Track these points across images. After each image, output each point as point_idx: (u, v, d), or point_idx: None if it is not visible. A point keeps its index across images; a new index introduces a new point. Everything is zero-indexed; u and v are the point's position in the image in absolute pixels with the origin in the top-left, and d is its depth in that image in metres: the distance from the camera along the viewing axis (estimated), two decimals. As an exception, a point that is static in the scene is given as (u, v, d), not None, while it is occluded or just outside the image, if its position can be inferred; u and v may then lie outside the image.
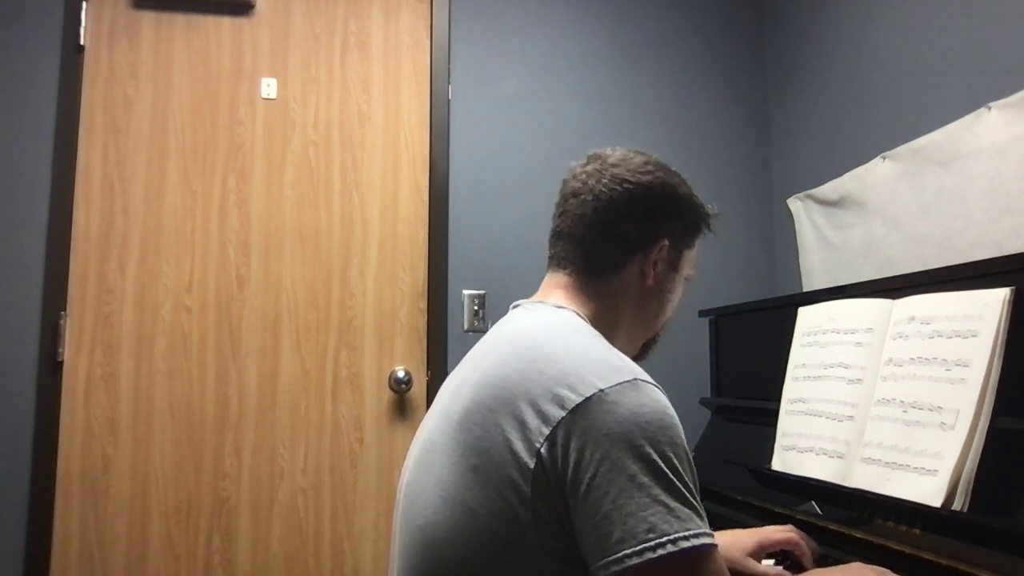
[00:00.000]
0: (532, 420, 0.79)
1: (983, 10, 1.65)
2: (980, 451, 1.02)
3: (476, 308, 2.29)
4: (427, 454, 0.90)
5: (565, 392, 0.79)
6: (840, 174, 2.07)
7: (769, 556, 1.18)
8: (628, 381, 0.79)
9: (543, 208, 1.04)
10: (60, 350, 2.08)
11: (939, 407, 1.08)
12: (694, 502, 0.76)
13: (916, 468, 1.08)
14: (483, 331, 0.89)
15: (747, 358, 1.85)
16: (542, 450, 0.78)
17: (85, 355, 2.11)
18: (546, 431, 0.78)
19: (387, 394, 2.23)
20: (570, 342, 0.86)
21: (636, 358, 1.03)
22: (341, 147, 2.28)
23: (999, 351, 1.04)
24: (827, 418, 1.31)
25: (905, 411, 1.13)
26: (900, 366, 1.18)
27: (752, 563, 1.14)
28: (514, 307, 1.01)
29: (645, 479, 0.74)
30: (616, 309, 0.99)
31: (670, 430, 0.78)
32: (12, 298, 2.06)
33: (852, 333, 1.32)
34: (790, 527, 1.21)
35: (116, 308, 2.14)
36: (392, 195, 2.30)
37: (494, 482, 0.79)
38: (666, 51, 2.50)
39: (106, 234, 2.15)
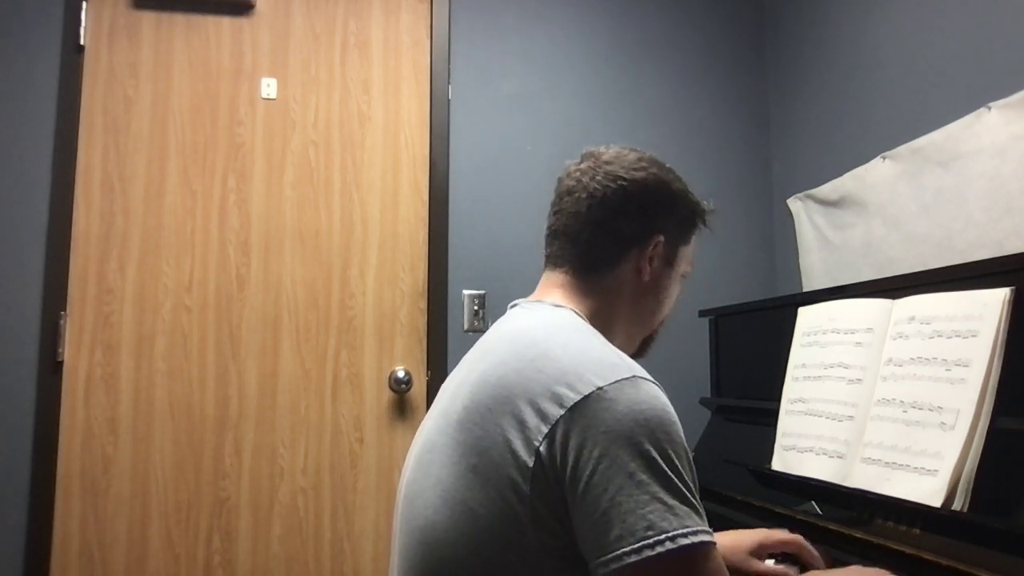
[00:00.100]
0: (531, 419, 0.79)
1: (983, 10, 1.65)
2: (980, 451, 1.02)
3: (476, 308, 2.29)
4: (427, 454, 0.90)
5: (564, 390, 0.79)
6: (840, 174, 2.07)
7: (770, 556, 1.18)
8: (627, 378, 0.80)
9: (543, 208, 1.04)
10: (60, 350, 2.08)
11: (939, 407, 1.08)
12: (692, 500, 0.76)
13: (916, 468, 1.08)
14: (483, 331, 0.89)
15: (747, 358, 1.85)
16: (541, 448, 0.78)
17: (85, 355, 2.11)
18: (545, 429, 0.78)
19: (387, 394, 2.23)
20: (568, 340, 0.86)
21: (635, 355, 1.03)
22: (341, 147, 2.28)
23: (999, 351, 1.04)
24: (827, 418, 1.31)
25: (905, 411, 1.13)
26: (900, 366, 1.18)
27: (755, 562, 1.13)
28: (512, 307, 1.02)
29: (644, 476, 0.74)
30: (613, 306, 0.99)
31: (669, 427, 0.78)
32: (12, 298, 2.06)
33: (852, 333, 1.32)
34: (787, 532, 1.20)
35: (116, 308, 2.14)
36: (392, 195, 2.30)
37: (494, 481, 0.79)
38: (666, 51, 2.50)
39: (106, 234, 2.15)
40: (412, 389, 2.23)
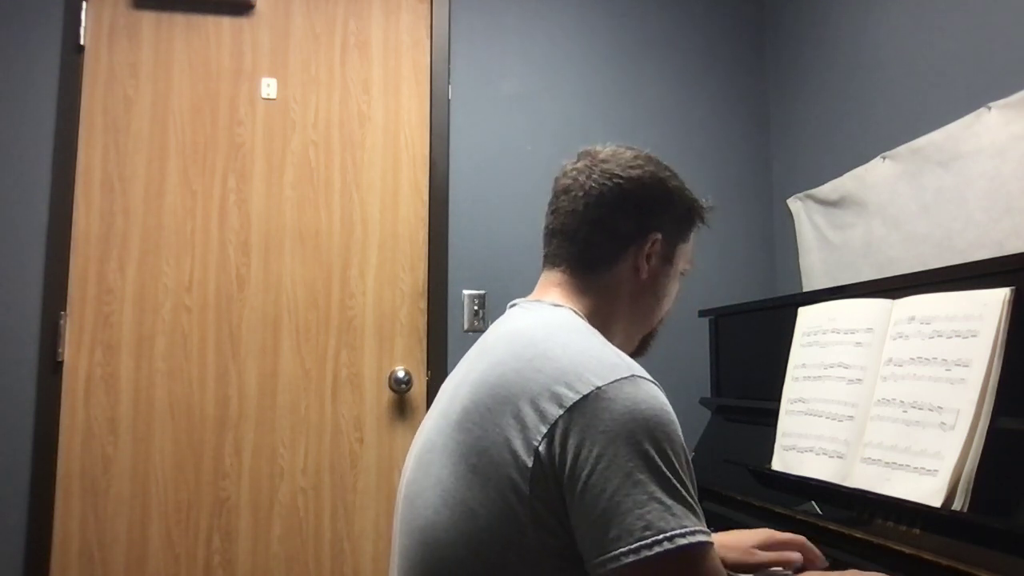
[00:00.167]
0: (531, 419, 0.79)
1: (983, 10, 1.65)
2: (980, 451, 1.02)
3: (476, 308, 2.29)
4: (427, 454, 0.90)
5: (563, 390, 0.79)
6: (840, 174, 2.07)
7: None
8: (626, 378, 0.79)
9: (543, 208, 1.04)
10: (60, 350, 2.08)
11: (939, 407, 1.08)
12: (690, 499, 0.76)
13: (916, 468, 1.08)
14: (483, 331, 0.89)
15: (747, 358, 1.85)
16: (540, 448, 0.78)
17: (85, 355, 2.11)
18: (544, 429, 0.78)
19: (387, 394, 2.23)
20: (567, 340, 0.86)
21: (635, 354, 1.03)
22: (341, 147, 2.28)
23: (999, 351, 1.04)
24: (827, 418, 1.30)
25: (905, 411, 1.13)
26: (900, 366, 1.18)
27: (759, 553, 1.11)
28: (511, 306, 1.01)
29: (642, 476, 0.74)
30: (611, 304, 0.99)
31: (667, 427, 0.78)
32: (12, 298, 2.06)
33: (852, 333, 1.32)
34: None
35: (116, 308, 2.14)
36: (392, 195, 2.30)
37: (493, 482, 0.79)
38: (666, 51, 2.50)
39: (106, 234, 2.15)
40: (412, 389, 2.23)
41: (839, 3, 2.16)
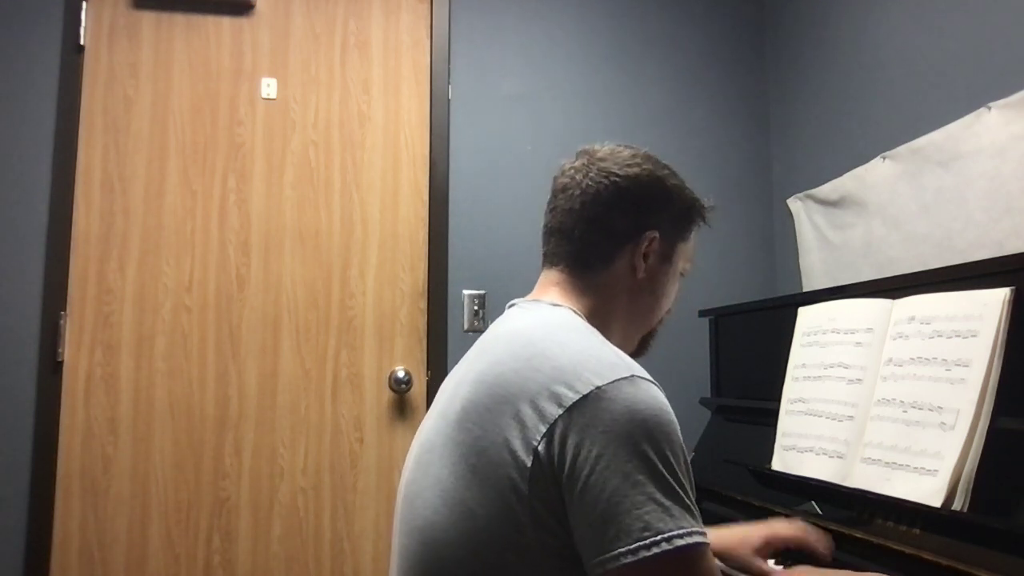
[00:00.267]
0: (530, 419, 0.79)
1: (983, 10, 1.65)
2: (980, 451, 1.02)
3: (476, 308, 2.29)
4: (426, 454, 0.90)
5: (562, 390, 0.79)
6: (840, 174, 2.07)
7: (773, 555, 1.18)
8: (625, 378, 0.79)
9: (543, 208, 1.04)
10: (60, 350, 2.08)
11: (939, 407, 1.08)
12: (688, 500, 0.77)
13: (916, 468, 1.08)
14: (483, 331, 0.89)
15: (747, 358, 1.85)
16: (539, 448, 0.78)
17: (85, 355, 2.11)
18: (543, 429, 0.78)
19: (387, 394, 2.23)
20: (566, 339, 0.86)
21: (635, 353, 1.02)
22: (341, 147, 2.28)
23: (999, 351, 1.04)
24: (827, 418, 1.31)
25: (905, 411, 1.13)
26: (900, 366, 1.18)
27: (759, 562, 1.14)
28: (510, 306, 1.01)
29: (641, 477, 0.74)
30: (609, 303, 0.98)
31: (667, 427, 0.78)
32: (12, 298, 2.06)
33: (852, 333, 1.32)
34: (798, 521, 1.21)
35: (116, 308, 2.14)
36: (392, 195, 2.30)
37: (492, 481, 0.79)
38: (667, 50, 2.50)
39: (106, 234, 2.15)
40: (412, 389, 2.23)
41: (839, 3, 2.16)
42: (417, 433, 0.98)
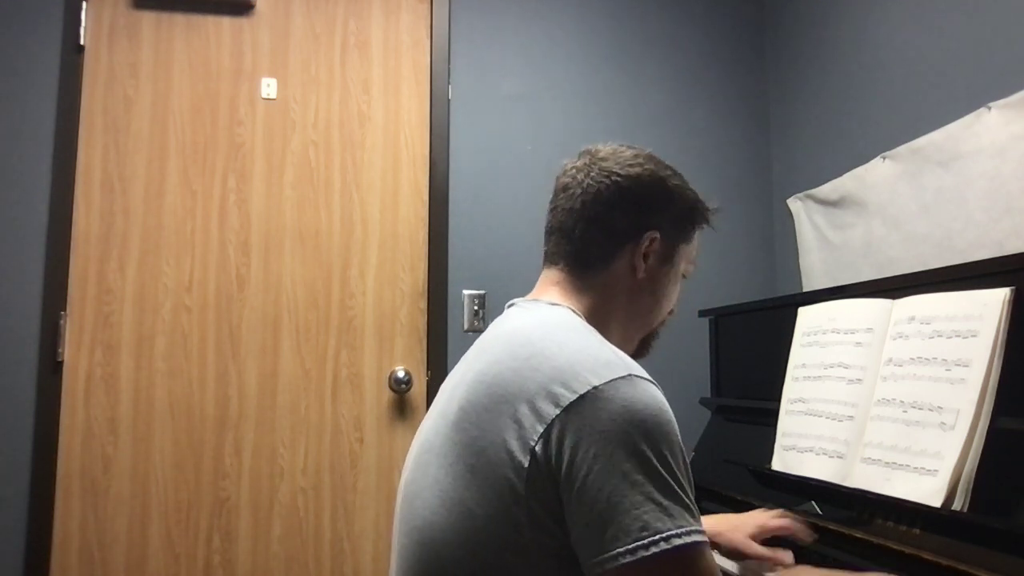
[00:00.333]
0: (527, 418, 0.79)
1: (983, 10, 1.65)
2: (980, 451, 1.02)
3: (476, 308, 2.29)
4: (425, 454, 0.90)
5: (560, 389, 0.79)
6: (840, 174, 2.07)
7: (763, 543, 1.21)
8: (623, 377, 0.79)
9: (543, 208, 1.04)
10: (60, 350, 2.08)
11: (939, 407, 1.08)
12: (686, 499, 0.76)
13: (916, 468, 1.08)
14: (483, 331, 0.89)
15: (747, 358, 1.85)
16: (536, 448, 0.78)
17: (85, 355, 2.11)
18: (540, 429, 0.78)
19: (387, 394, 2.23)
20: (565, 339, 0.86)
21: (635, 354, 1.02)
22: (341, 147, 2.28)
23: (999, 351, 1.04)
24: (827, 418, 1.30)
25: (905, 411, 1.13)
26: (900, 366, 1.18)
27: (755, 546, 1.17)
28: (509, 306, 1.01)
29: (639, 476, 0.74)
30: (608, 303, 0.98)
31: (665, 426, 0.78)
32: (12, 298, 2.06)
33: (852, 333, 1.32)
34: (782, 512, 1.25)
35: (116, 308, 2.14)
36: (392, 195, 2.30)
37: (491, 481, 0.79)
38: (667, 50, 2.50)
39: (106, 234, 2.15)
40: (412, 389, 2.23)
41: (839, 3, 2.16)
42: (417, 433, 0.98)
